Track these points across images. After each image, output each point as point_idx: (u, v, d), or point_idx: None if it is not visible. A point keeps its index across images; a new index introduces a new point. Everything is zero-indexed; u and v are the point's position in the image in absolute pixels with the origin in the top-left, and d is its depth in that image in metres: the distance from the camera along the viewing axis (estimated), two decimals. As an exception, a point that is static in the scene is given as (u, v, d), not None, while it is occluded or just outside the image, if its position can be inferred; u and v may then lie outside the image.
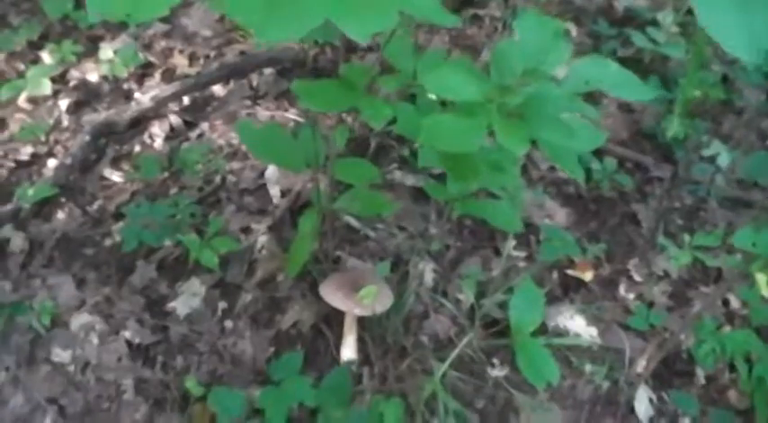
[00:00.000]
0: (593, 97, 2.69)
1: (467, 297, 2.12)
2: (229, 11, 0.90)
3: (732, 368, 2.12)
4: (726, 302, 2.28)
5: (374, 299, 1.86)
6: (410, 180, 2.34)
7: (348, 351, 1.98)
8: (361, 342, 2.00)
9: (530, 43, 1.38)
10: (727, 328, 2.20)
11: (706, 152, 2.65)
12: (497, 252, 2.25)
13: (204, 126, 2.49)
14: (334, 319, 2.02)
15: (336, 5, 0.97)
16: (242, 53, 2.67)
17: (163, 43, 2.74)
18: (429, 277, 2.15)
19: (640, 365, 2.09)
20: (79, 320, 2.06)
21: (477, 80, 1.34)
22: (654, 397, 2.09)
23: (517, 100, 1.35)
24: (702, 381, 2.14)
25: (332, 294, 1.90)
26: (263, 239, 2.19)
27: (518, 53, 1.40)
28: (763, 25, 0.79)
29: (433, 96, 1.38)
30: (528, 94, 1.36)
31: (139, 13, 0.89)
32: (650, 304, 2.24)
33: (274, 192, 2.31)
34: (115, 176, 2.37)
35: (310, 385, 1.84)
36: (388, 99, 1.66)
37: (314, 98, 1.41)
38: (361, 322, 2.00)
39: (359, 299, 1.84)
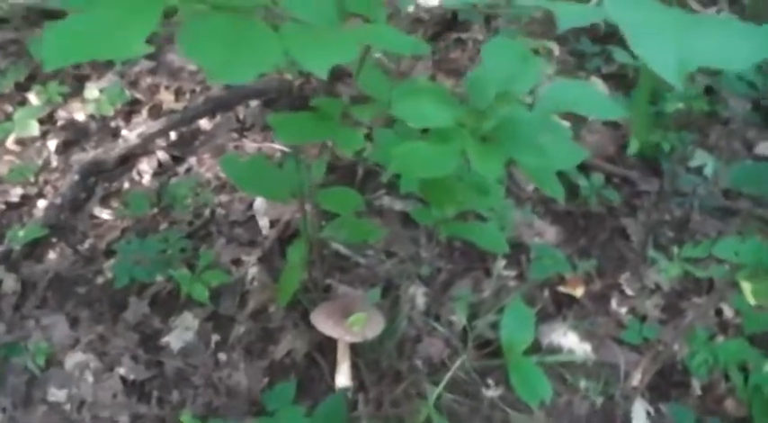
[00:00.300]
0: (579, 115, 2.71)
1: (459, 319, 2.13)
2: (187, 52, 0.91)
3: (728, 378, 2.12)
4: (719, 312, 2.28)
5: (364, 325, 1.87)
6: (398, 205, 2.35)
7: (342, 378, 1.98)
8: (355, 368, 2.00)
9: (498, 68, 1.40)
10: (720, 338, 2.20)
11: (693, 163, 2.66)
12: (488, 273, 2.26)
13: (192, 160, 2.51)
14: (327, 346, 2.03)
15: (294, 41, 0.98)
16: (227, 86, 2.69)
17: (149, 80, 2.77)
18: (421, 301, 2.16)
19: (635, 379, 2.10)
20: (74, 359, 2.07)
21: (449, 106, 1.35)
22: (651, 410, 2.09)
23: (490, 124, 1.37)
24: (699, 391, 2.14)
25: (323, 322, 1.91)
26: (253, 271, 2.20)
27: (488, 78, 1.41)
28: (688, 51, 0.80)
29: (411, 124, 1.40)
30: (501, 118, 1.38)
31: (97, 55, 0.91)
32: (643, 318, 2.24)
33: (263, 223, 2.32)
34: (105, 214, 2.39)
35: (303, 414, 1.85)
36: (365, 127, 1.68)
37: (289, 130, 1.42)
38: (355, 348, 2.00)
39: (348, 326, 1.85)
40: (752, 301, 1.76)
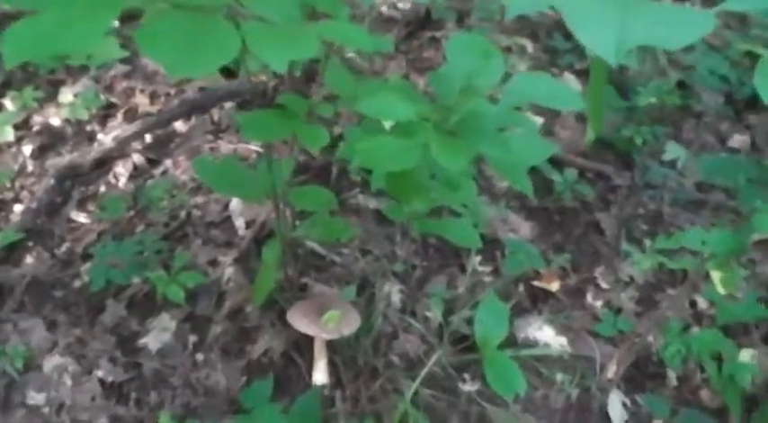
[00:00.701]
0: (552, 110, 2.73)
1: (435, 315, 2.14)
2: (144, 49, 0.92)
3: (704, 368, 2.14)
4: (693, 304, 2.31)
5: (339, 322, 1.88)
6: (372, 203, 2.36)
7: (320, 375, 1.99)
8: (332, 365, 2.01)
9: (462, 63, 1.42)
10: (695, 329, 2.22)
11: (666, 157, 2.69)
12: (463, 269, 2.27)
13: (168, 163, 2.52)
14: (304, 344, 2.04)
15: (254, 36, 1.00)
16: (201, 89, 2.70)
17: (124, 84, 2.77)
18: (396, 298, 2.17)
19: (611, 371, 2.12)
20: (52, 362, 2.07)
21: (412, 101, 1.37)
22: (627, 401, 2.11)
23: (454, 118, 1.38)
24: (674, 382, 2.16)
25: (299, 321, 1.92)
26: (229, 271, 2.21)
27: (452, 73, 1.43)
28: (627, 31, 0.82)
29: (384, 121, 1.41)
30: (465, 112, 1.39)
31: (59, 51, 0.91)
32: (618, 310, 2.26)
33: (239, 223, 2.33)
34: (82, 218, 2.39)
35: (280, 412, 1.86)
36: (338, 126, 1.69)
37: (255, 128, 1.44)
38: (332, 346, 2.02)
39: (323, 323, 1.86)
40: (721, 289, 1.79)
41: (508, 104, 1.50)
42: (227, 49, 0.96)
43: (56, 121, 2.65)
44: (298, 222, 1.99)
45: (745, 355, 2.10)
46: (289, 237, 1.94)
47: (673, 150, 2.67)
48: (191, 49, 0.96)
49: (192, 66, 0.95)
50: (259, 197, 1.86)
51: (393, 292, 2.18)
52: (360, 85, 1.52)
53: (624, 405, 2.09)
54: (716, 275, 1.76)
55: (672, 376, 2.15)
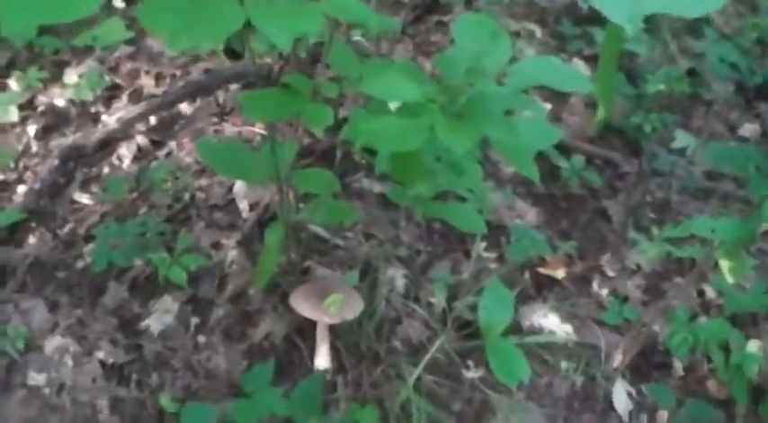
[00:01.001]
0: (560, 96, 2.70)
1: (438, 301, 2.12)
2: (146, 21, 0.90)
3: (710, 358, 2.12)
4: (701, 293, 2.29)
5: (341, 306, 1.86)
6: (377, 187, 2.34)
7: (321, 360, 1.98)
8: (334, 350, 2.00)
9: (468, 44, 1.39)
10: (702, 319, 2.20)
11: (675, 145, 2.66)
12: (468, 255, 2.25)
13: (172, 145, 2.50)
14: (306, 329, 2.02)
15: (258, 11, 0.97)
16: (207, 70, 2.68)
17: (129, 65, 2.75)
18: (400, 283, 2.15)
19: (616, 360, 2.10)
20: (53, 343, 2.05)
21: (418, 82, 1.35)
22: (632, 390, 2.09)
23: (460, 99, 1.36)
24: (681, 372, 2.14)
25: (301, 305, 1.91)
26: (232, 254, 2.19)
27: (458, 55, 1.41)
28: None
29: (390, 102, 1.39)
30: (471, 94, 1.37)
31: (55, 18, 0.89)
32: (624, 299, 2.24)
33: (243, 206, 2.31)
34: (85, 199, 2.37)
35: (281, 396, 1.84)
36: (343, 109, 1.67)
37: (257, 108, 1.42)
38: (334, 331, 2.00)
39: (326, 307, 1.85)
40: (729, 279, 1.76)
41: (515, 87, 1.47)
42: (230, 21, 0.94)
43: (60, 102, 2.63)
44: (301, 206, 1.97)
45: (753, 346, 2.07)
46: (292, 220, 1.92)
47: (682, 138, 2.64)
48: (193, 20, 0.94)
49: (193, 38, 0.93)
50: (262, 180, 1.84)
51: (397, 276, 2.16)
52: (365, 66, 1.50)
53: (629, 395, 2.08)
54: (724, 264, 1.74)
55: (678, 366, 2.14)
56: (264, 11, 0.98)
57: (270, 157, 1.75)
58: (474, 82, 1.38)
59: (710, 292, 2.27)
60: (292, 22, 1.00)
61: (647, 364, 2.15)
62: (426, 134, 1.27)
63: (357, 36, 2.68)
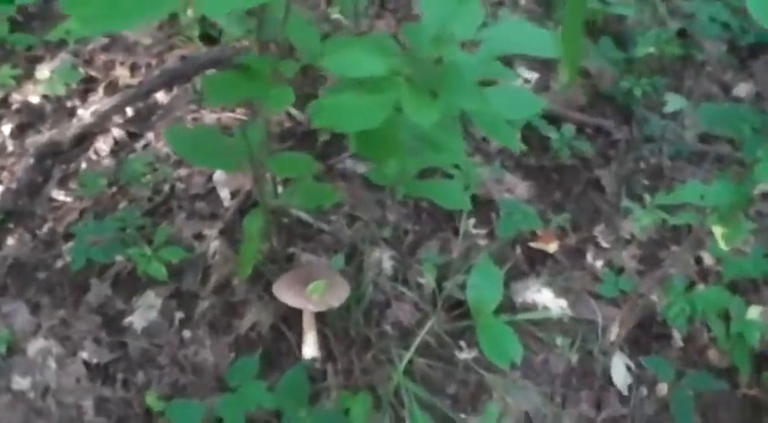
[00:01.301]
0: (547, 64, 2.63)
1: (428, 281, 2.06)
2: (63, 5, 0.84)
3: (710, 327, 2.06)
4: (698, 260, 2.22)
5: (324, 292, 1.81)
6: (361, 168, 2.27)
7: (309, 349, 1.92)
8: (322, 338, 1.95)
9: (435, 11, 1.32)
10: (701, 287, 2.14)
11: (668, 108, 2.58)
12: (457, 233, 2.19)
13: (150, 136, 2.43)
14: (292, 317, 1.97)
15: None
16: (183, 58, 2.61)
17: (103, 57, 2.68)
18: (388, 265, 2.09)
19: (613, 333, 2.04)
20: (36, 346, 2.01)
21: (384, 56, 1.28)
22: (632, 364, 2.03)
23: (427, 70, 1.29)
24: (680, 343, 2.08)
25: (284, 293, 1.86)
26: (215, 244, 2.14)
27: (426, 23, 1.34)
28: None
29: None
30: (438, 63, 1.30)
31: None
32: (620, 270, 2.18)
33: (224, 194, 2.25)
34: (63, 196, 2.31)
35: (266, 388, 1.79)
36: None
37: (219, 91, 1.35)
38: (322, 318, 1.95)
39: (308, 294, 1.79)
40: (723, 245, 1.70)
41: (488, 55, 1.41)
42: (153, 7, 0.87)
43: (35, 99, 2.57)
44: (283, 190, 1.91)
45: (754, 312, 2.01)
46: (271, 206, 1.87)
47: (674, 102, 2.57)
48: (110, 6, 0.87)
49: (117, 19, 0.86)
50: (236, 167, 1.78)
51: (384, 258, 2.10)
52: (328, 41, 1.43)
53: (628, 368, 2.02)
54: (718, 230, 1.67)
55: (677, 337, 2.08)
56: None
57: (242, 143, 1.69)
58: (441, 51, 1.31)
59: (708, 259, 2.21)
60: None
61: (646, 336, 2.09)
62: (390, 110, 1.21)
63: (336, 14, 2.60)
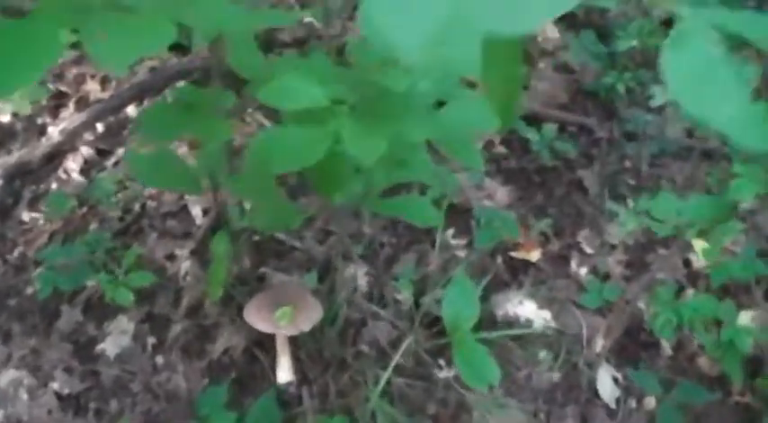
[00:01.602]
0: (527, 61, 2.55)
1: (405, 297, 2.00)
2: None
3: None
4: (687, 263, 2.14)
5: (294, 317, 1.75)
6: (334, 181, 2.20)
7: (284, 373, 1.87)
8: (297, 361, 1.89)
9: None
10: (690, 292, 2.06)
11: (654, 103, 2.49)
12: (435, 245, 2.11)
13: (120, 152, 2.37)
14: (266, 340, 1.91)
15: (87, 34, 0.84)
16: (152, 69, 2.54)
17: (74, 70, 2.61)
18: (363, 281, 2.03)
19: (599, 344, 1.97)
20: (7, 377, 1.96)
21: (322, 83, 1.20)
22: (619, 376, 1.96)
23: (373, 97, 1.22)
24: (669, 351, 2.01)
25: (254, 317, 1.80)
26: (186, 265, 2.08)
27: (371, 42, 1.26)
28: None
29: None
30: (383, 88, 1.23)
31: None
32: (605, 277, 2.10)
33: (196, 212, 2.19)
34: (33, 218, 2.26)
35: (236, 419, 1.73)
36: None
37: (154, 127, 1.28)
38: (295, 340, 1.89)
39: (276, 321, 1.73)
40: (704, 259, 1.62)
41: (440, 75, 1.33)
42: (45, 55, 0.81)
43: (5, 118, 2.51)
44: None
45: (745, 318, 1.93)
46: (237, 227, 1.80)
47: (660, 96, 2.47)
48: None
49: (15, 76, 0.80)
50: (196, 189, 1.72)
51: (359, 275, 2.03)
52: (275, 64, 1.35)
53: (615, 380, 1.95)
54: (698, 244, 1.59)
55: (666, 346, 2.00)
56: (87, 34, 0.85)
57: (201, 165, 1.63)
58: (388, 72, 1.23)
59: (697, 262, 2.12)
60: (133, 41, 0.86)
61: (634, 345, 2.02)
62: (330, 144, 1.14)
63: (308, 17, 2.53)
